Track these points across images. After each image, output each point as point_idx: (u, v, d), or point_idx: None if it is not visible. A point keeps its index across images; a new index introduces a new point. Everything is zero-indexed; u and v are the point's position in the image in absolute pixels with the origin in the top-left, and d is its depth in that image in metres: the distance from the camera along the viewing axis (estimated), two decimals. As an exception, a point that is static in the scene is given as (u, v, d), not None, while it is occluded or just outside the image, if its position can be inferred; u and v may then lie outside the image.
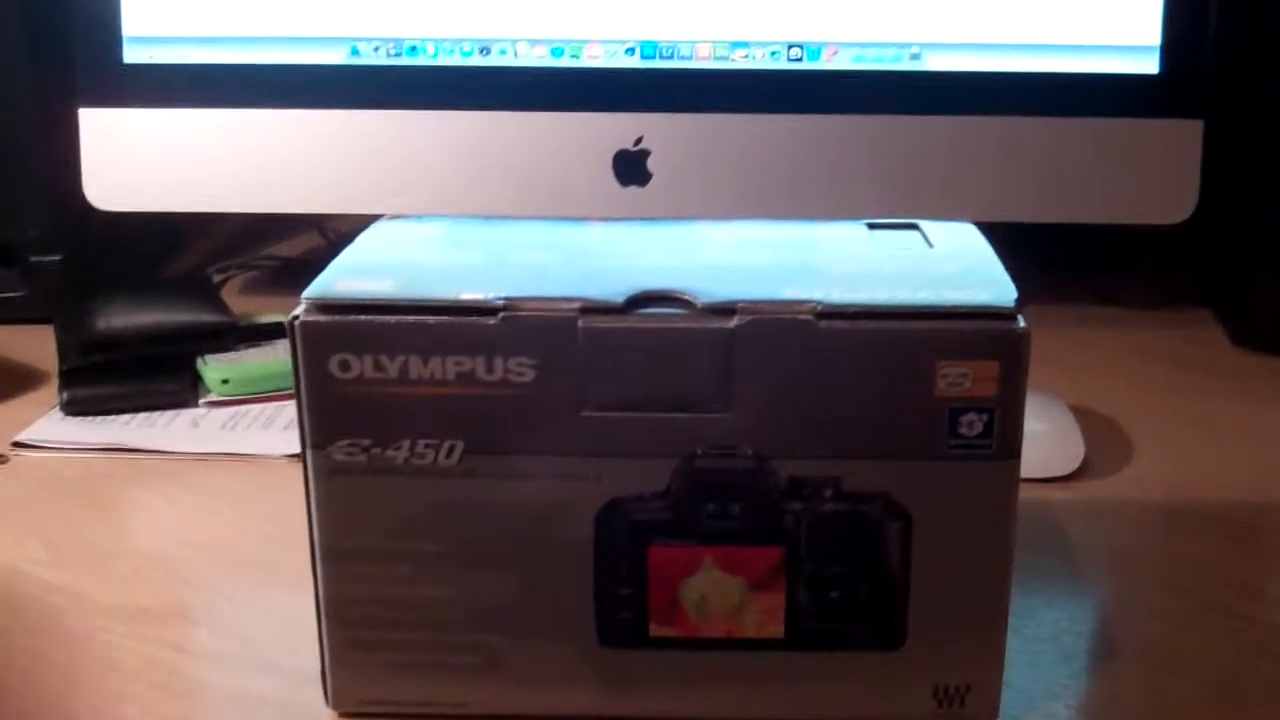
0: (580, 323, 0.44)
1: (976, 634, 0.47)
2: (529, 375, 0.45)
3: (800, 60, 0.83)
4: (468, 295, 0.45)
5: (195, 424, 0.75)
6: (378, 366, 0.45)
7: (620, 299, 0.45)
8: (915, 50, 0.82)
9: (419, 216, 0.54)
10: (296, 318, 0.45)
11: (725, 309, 0.44)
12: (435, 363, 0.45)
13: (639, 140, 0.85)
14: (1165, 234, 0.98)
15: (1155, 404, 0.77)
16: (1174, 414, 0.76)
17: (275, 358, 0.79)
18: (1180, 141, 0.83)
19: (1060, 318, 0.90)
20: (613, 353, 0.45)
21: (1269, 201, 0.83)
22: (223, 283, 0.97)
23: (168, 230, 1.05)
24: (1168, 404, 0.77)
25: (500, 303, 0.45)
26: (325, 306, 0.45)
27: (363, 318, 0.45)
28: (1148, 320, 0.91)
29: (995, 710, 0.48)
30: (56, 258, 0.90)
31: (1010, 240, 0.49)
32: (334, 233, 1.06)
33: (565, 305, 0.45)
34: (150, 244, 1.03)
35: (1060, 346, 0.85)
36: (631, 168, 0.85)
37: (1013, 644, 0.51)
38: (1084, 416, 0.73)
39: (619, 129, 0.85)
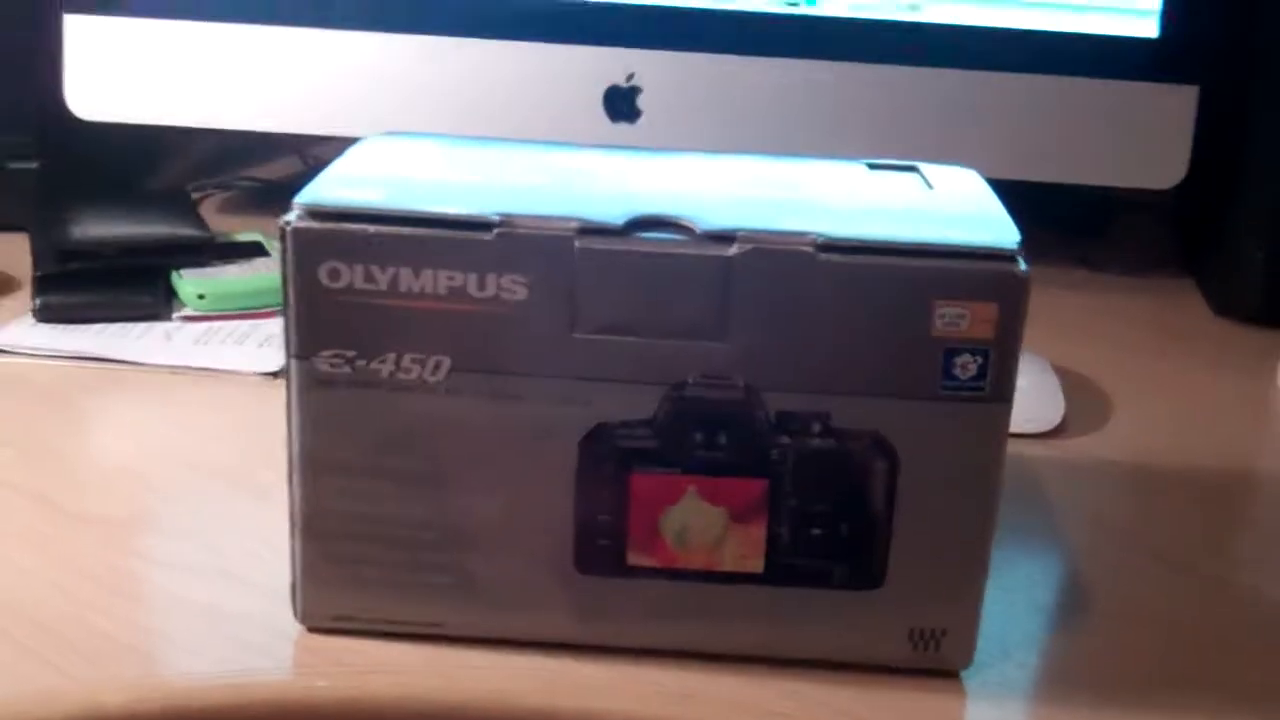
0: (577, 243, 0.44)
1: (956, 579, 0.47)
2: (521, 294, 0.44)
3: (797, 4, 0.82)
4: (464, 210, 0.44)
5: (169, 337, 0.74)
6: (368, 277, 0.44)
7: (619, 221, 0.44)
8: (914, 0, 0.82)
9: (411, 133, 0.53)
10: (289, 223, 0.44)
11: (725, 237, 0.44)
12: (427, 276, 0.44)
13: (631, 76, 0.84)
14: (1148, 201, 0.98)
15: (1135, 368, 0.77)
16: (1154, 379, 0.76)
17: (252, 275, 0.78)
18: (1175, 107, 0.83)
19: (1042, 280, 0.89)
20: (608, 275, 0.44)
21: (1254, 172, 0.83)
22: (200, 201, 0.95)
23: (147, 145, 1.04)
24: (1148, 369, 0.77)
25: (497, 219, 0.44)
26: (318, 213, 0.44)
27: (356, 226, 0.44)
28: (1130, 286, 0.91)
29: (970, 655, 0.48)
30: (34, 164, 0.88)
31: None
32: (314, 158, 1.05)
33: (563, 224, 0.44)
34: (129, 158, 1.01)
35: (1042, 308, 0.84)
36: (622, 104, 0.84)
37: (989, 593, 0.51)
38: (1065, 376, 0.73)
39: (611, 64, 0.84)
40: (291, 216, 0.44)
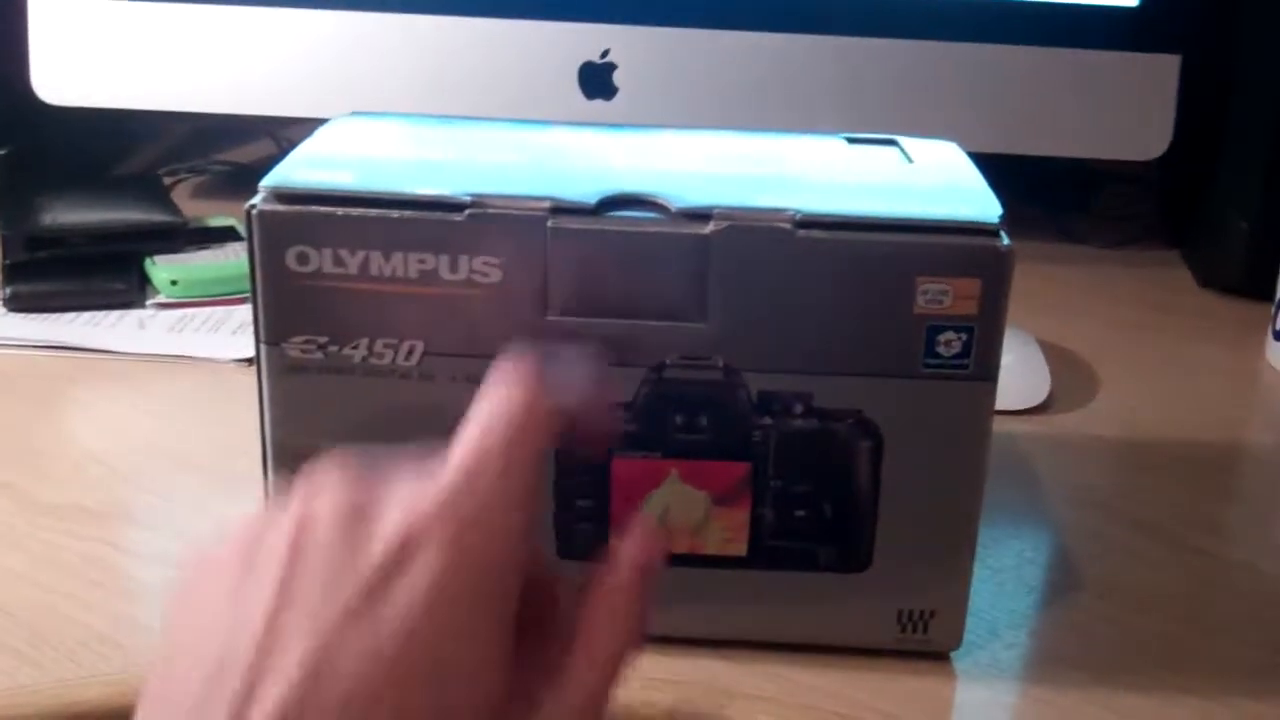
0: (549, 223, 0.43)
1: (943, 559, 0.46)
2: (494, 276, 0.43)
3: (776, -24, 0.81)
4: (434, 191, 0.43)
5: (142, 325, 0.73)
6: (337, 261, 0.43)
7: (592, 200, 0.43)
8: (894, -29, 0.81)
9: (380, 113, 0.52)
10: (254, 206, 0.43)
11: (700, 214, 0.43)
12: (397, 259, 0.43)
13: (606, 53, 0.83)
14: (1132, 173, 0.97)
15: (1121, 341, 0.77)
16: (1140, 352, 0.75)
17: (225, 260, 0.77)
18: (1157, 77, 0.82)
19: (1026, 254, 0.88)
20: (582, 255, 0.43)
21: (1238, 142, 0.82)
22: (172, 185, 0.94)
23: (117, 129, 1.02)
24: (1134, 342, 0.77)
25: (468, 199, 0.43)
26: (285, 195, 0.43)
27: (323, 209, 0.43)
28: (1114, 260, 0.90)
29: (959, 637, 0.48)
30: (1, 151, 0.87)
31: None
32: (287, 140, 1.03)
33: (535, 204, 0.43)
34: (98, 143, 1.00)
35: (1026, 283, 0.83)
36: (597, 80, 0.83)
37: (977, 573, 0.50)
38: (1050, 351, 0.72)
39: (585, 40, 0.83)
40: (257, 200, 0.43)
